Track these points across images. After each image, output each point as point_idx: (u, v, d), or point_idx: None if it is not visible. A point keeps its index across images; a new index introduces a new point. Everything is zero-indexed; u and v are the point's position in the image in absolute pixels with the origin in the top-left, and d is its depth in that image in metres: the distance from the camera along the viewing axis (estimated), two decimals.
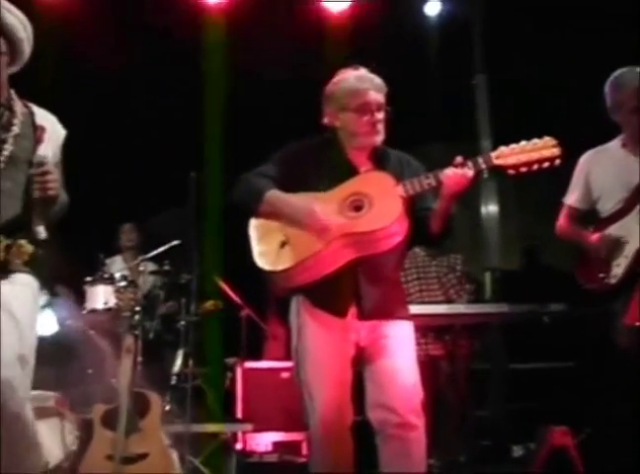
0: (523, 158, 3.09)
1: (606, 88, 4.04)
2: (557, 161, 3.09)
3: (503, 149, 3.13)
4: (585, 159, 4.18)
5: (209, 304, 6.04)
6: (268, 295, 6.91)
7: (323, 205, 3.19)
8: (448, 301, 5.26)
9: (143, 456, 4.30)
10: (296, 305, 3.31)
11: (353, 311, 3.26)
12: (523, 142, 3.12)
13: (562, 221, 4.22)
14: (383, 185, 3.20)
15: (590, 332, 5.16)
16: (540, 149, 3.09)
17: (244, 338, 6.14)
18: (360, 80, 3.32)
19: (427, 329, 4.96)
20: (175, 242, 5.75)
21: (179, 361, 5.75)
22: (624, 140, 4.06)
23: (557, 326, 4.72)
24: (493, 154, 3.13)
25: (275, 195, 3.27)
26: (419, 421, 3.22)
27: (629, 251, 3.85)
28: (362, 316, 3.25)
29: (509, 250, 7.46)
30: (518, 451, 5.37)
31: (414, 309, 4.47)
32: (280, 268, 3.18)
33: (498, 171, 3.13)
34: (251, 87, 6.44)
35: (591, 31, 6.07)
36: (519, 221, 7.68)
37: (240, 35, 6.28)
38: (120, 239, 6.64)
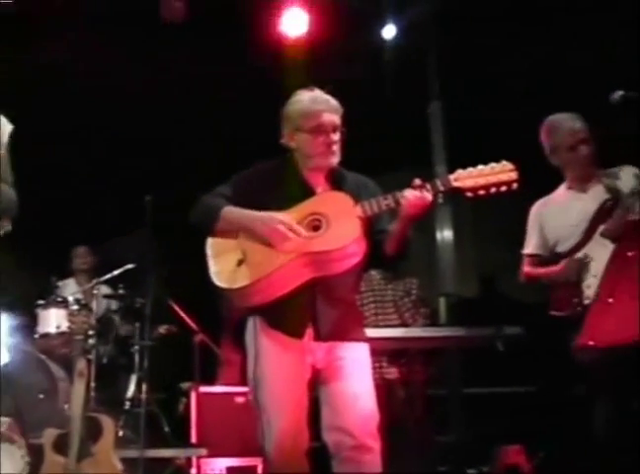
0: (481, 181, 3.10)
1: (542, 134, 4.16)
2: (514, 185, 3.10)
3: (461, 172, 3.14)
4: (535, 210, 4.28)
5: (164, 329, 6.01)
6: (222, 320, 6.89)
7: (287, 218, 3.18)
8: (404, 325, 5.28)
9: None
10: (253, 326, 3.28)
11: (309, 332, 3.24)
12: (481, 166, 3.14)
13: (526, 269, 4.26)
14: (342, 205, 3.19)
15: (546, 356, 5.20)
16: (498, 173, 3.10)
17: (198, 363, 6.09)
18: (314, 101, 3.32)
19: (382, 352, 4.96)
20: (129, 265, 5.71)
21: (132, 386, 5.70)
22: (568, 183, 4.18)
23: (512, 350, 4.74)
24: (451, 176, 3.13)
25: (231, 210, 3.26)
26: (375, 444, 3.20)
27: (596, 270, 3.87)
28: (319, 337, 3.23)
29: (465, 276, 7.50)
30: None
31: (369, 333, 4.47)
32: (236, 286, 3.15)
33: (456, 193, 3.13)
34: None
35: (544, 57, 6.17)
36: (475, 248, 7.73)
37: None
38: (73, 262, 6.57)
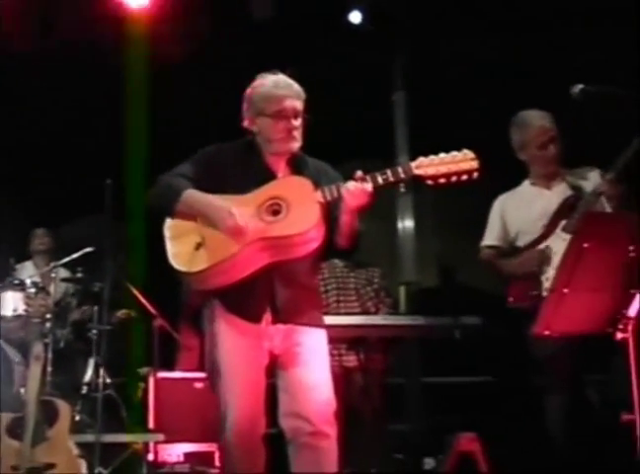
0: (443, 169, 3.09)
1: (511, 129, 4.20)
2: (475, 174, 3.09)
3: (422, 159, 3.12)
4: (498, 203, 4.33)
5: (122, 313, 5.97)
6: (181, 306, 6.86)
7: (241, 208, 3.16)
8: (365, 313, 5.29)
9: (50, 466, 4.22)
10: (210, 311, 3.28)
11: (267, 317, 3.23)
12: (443, 154, 3.12)
13: (485, 257, 4.34)
14: (302, 190, 3.18)
15: (504, 346, 5.25)
16: (459, 162, 3.10)
17: (157, 348, 6.06)
18: (277, 86, 3.30)
19: (341, 340, 4.96)
20: (88, 249, 5.66)
21: (90, 371, 5.66)
22: (533, 179, 4.23)
23: (471, 340, 4.78)
24: (413, 164, 3.12)
25: (192, 194, 3.22)
26: (331, 430, 3.22)
27: (556, 263, 3.88)
28: (277, 320, 3.23)
29: (425, 266, 7.54)
30: (429, 463, 5.42)
31: (328, 320, 4.49)
32: (194, 269, 3.14)
33: (417, 181, 3.13)
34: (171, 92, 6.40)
35: (511, 48, 6.21)
36: (436, 238, 7.77)
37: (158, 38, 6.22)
38: (31, 243, 6.50)
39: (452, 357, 5.75)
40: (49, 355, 5.44)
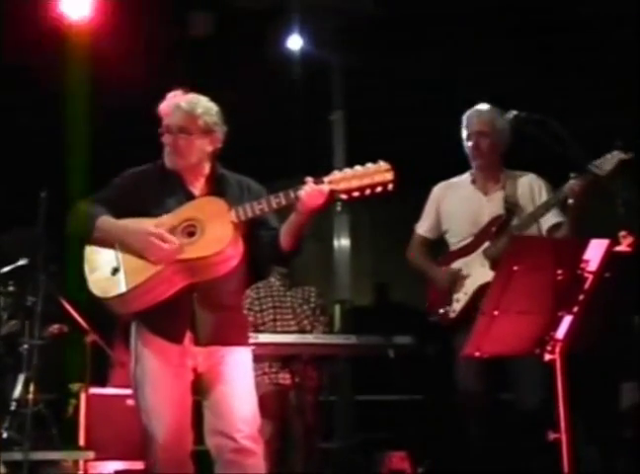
0: (355, 183, 3.05)
1: (463, 119, 4.24)
2: (390, 186, 3.04)
3: (335, 173, 3.10)
4: (436, 191, 4.36)
5: (54, 328, 5.88)
6: (114, 322, 6.79)
7: (157, 230, 3.18)
8: (302, 332, 5.30)
9: None
10: (134, 331, 3.30)
11: (189, 336, 3.25)
12: (357, 167, 3.07)
13: (413, 249, 4.40)
14: (215, 210, 3.21)
15: (434, 366, 5.31)
16: (373, 174, 3.03)
17: (89, 364, 5.99)
18: (167, 102, 3.39)
19: (275, 358, 4.97)
20: (21, 262, 5.57)
21: (19, 386, 5.55)
22: (473, 176, 4.26)
23: (403, 359, 4.82)
24: (325, 179, 3.10)
25: (106, 220, 3.25)
26: (257, 447, 3.23)
27: (469, 288, 4.03)
28: (198, 343, 3.25)
29: (360, 285, 7.59)
30: None
31: (262, 338, 4.52)
32: (110, 294, 3.16)
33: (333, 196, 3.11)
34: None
35: (452, 64, 6.31)
36: (371, 258, 7.84)
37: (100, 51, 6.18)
38: None
39: (384, 376, 5.80)
40: None
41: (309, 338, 4.86)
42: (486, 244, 4.08)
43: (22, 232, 5.76)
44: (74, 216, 3.32)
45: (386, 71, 6.53)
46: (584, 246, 3.00)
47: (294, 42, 6.76)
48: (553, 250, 3.05)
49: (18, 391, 5.56)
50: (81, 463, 5.40)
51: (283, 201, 3.18)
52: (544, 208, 3.99)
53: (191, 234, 3.19)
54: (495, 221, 4.11)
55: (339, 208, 6.91)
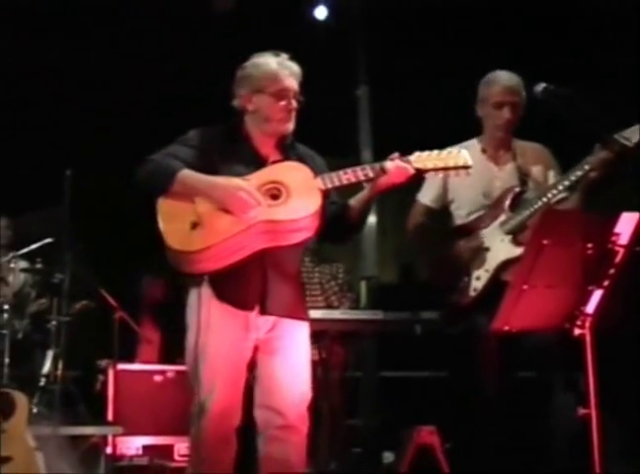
0: (440, 164, 3.18)
1: (481, 81, 4.08)
2: (470, 171, 3.23)
3: (419, 154, 3.19)
4: None
5: (82, 305, 5.93)
6: (142, 298, 6.84)
7: (247, 186, 3.11)
8: (329, 308, 5.30)
9: (6, 459, 4.18)
10: (197, 297, 3.16)
11: (256, 307, 3.19)
12: (437, 151, 3.22)
13: (416, 218, 4.20)
14: (301, 176, 3.16)
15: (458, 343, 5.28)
16: (455, 157, 3.20)
17: (117, 340, 6.04)
18: (280, 65, 3.27)
19: None
20: (48, 240, 5.61)
21: (48, 363, 5.62)
22: (484, 144, 4.08)
23: (429, 336, 4.81)
24: (411, 158, 3.17)
25: (189, 173, 3.15)
26: (303, 426, 3.22)
27: (490, 264, 3.88)
28: (266, 311, 3.19)
29: (387, 264, 7.58)
30: (388, 458, 5.45)
31: None
32: (191, 248, 3.07)
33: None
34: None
35: (474, 42, 6.26)
36: (397, 235, 7.81)
37: None
38: None
39: (410, 352, 5.79)
40: (7, 347, 5.39)
41: (336, 314, 4.85)
42: (502, 217, 3.93)
43: (48, 210, 5.79)
44: (149, 168, 3.19)
45: (413, 44, 6.46)
46: (614, 220, 2.96)
47: (320, 12, 6.69)
48: (583, 224, 3.01)
49: (46, 367, 5.63)
50: (109, 438, 5.45)
51: (370, 174, 3.16)
52: (562, 188, 3.79)
53: (274, 197, 3.13)
54: (508, 193, 3.97)
55: (365, 185, 6.90)
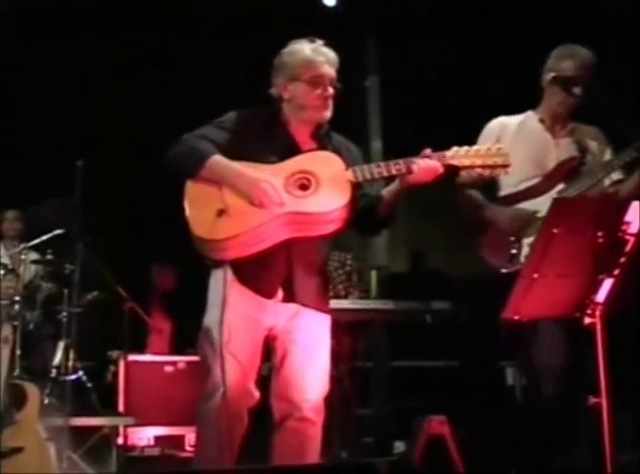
0: (478, 161, 3.13)
1: (554, 51, 3.91)
2: (508, 169, 3.19)
3: (457, 149, 3.15)
4: (496, 124, 4.00)
5: (92, 296, 5.94)
6: (152, 289, 6.85)
7: (272, 179, 3.08)
8: (336, 297, 5.29)
9: (18, 450, 4.20)
10: (222, 276, 3.11)
11: (278, 294, 3.17)
12: (476, 147, 3.18)
13: (462, 186, 3.96)
14: (332, 167, 3.12)
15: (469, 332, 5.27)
16: (494, 155, 3.15)
17: (127, 331, 6.05)
18: (315, 52, 3.23)
19: None
20: (58, 231, 5.62)
21: (59, 354, 5.63)
22: (542, 115, 3.96)
23: (439, 325, 4.80)
24: (447, 153, 3.14)
25: (219, 160, 3.11)
26: (319, 418, 3.23)
27: None
28: (290, 299, 3.17)
29: (397, 253, 7.56)
30: (399, 447, 5.45)
31: None
32: (216, 237, 3.04)
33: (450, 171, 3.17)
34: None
35: (484, 32, 6.23)
36: (407, 224, 7.80)
37: None
38: (1, 225, 6.44)
39: (421, 342, 5.78)
40: (18, 338, 5.40)
41: (346, 303, 4.85)
42: (560, 186, 3.80)
43: (59, 201, 5.79)
44: (180, 149, 3.17)
45: (424, 34, 6.44)
46: (625, 208, 2.95)
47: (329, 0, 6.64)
48: (594, 212, 2.99)
49: (58, 358, 5.64)
50: (121, 429, 5.47)
51: (403, 169, 3.11)
52: (617, 164, 3.73)
53: (303, 187, 3.10)
54: (568, 163, 3.85)
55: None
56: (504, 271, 3.77)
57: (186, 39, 6.44)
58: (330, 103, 3.23)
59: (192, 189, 3.13)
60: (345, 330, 4.90)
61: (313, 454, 3.23)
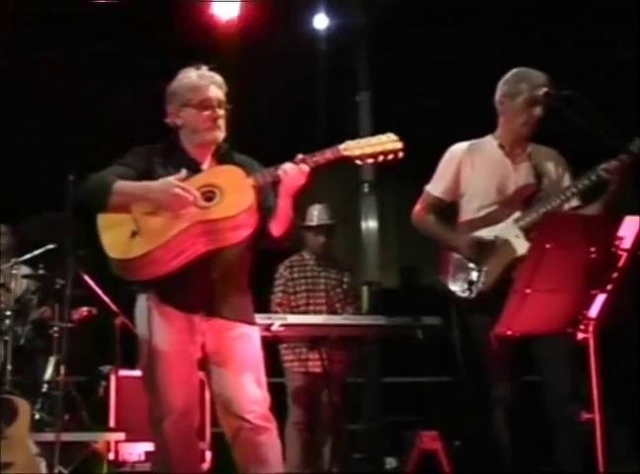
0: (368, 150, 3.23)
1: (506, 77, 3.95)
2: (400, 154, 3.24)
3: (349, 142, 3.25)
4: (457, 151, 4.03)
5: (83, 311, 5.91)
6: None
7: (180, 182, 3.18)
8: (332, 314, 5.29)
9: (9, 465, 4.18)
10: (143, 307, 3.26)
11: (202, 310, 3.26)
12: (369, 137, 3.29)
13: (423, 210, 4.08)
14: (233, 176, 3.24)
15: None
16: (384, 143, 3.24)
17: (119, 346, 6.02)
18: (201, 77, 3.37)
19: (303, 339, 4.97)
20: (50, 246, 5.60)
21: (50, 369, 5.60)
22: (501, 140, 3.99)
23: (430, 341, 4.80)
24: (341, 147, 3.23)
25: (124, 183, 3.23)
26: (270, 424, 3.28)
27: (504, 260, 3.78)
28: (212, 313, 3.26)
29: (388, 269, 7.58)
30: (391, 463, 5.45)
31: (290, 319, 4.52)
32: (129, 256, 3.12)
33: (346, 161, 3.25)
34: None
35: (474, 45, 6.26)
36: (398, 239, 7.81)
37: None
38: None
39: (412, 358, 5.78)
40: (9, 353, 5.38)
41: (337, 319, 4.86)
42: (517, 214, 3.85)
43: (50, 216, 5.77)
44: (88, 184, 3.30)
45: (413, 51, 6.48)
46: (617, 223, 2.96)
47: (321, 22, 6.71)
48: (586, 227, 3.01)
49: (49, 373, 5.61)
50: (112, 444, 5.44)
51: (276, 172, 3.22)
52: (577, 190, 3.76)
53: (209, 199, 3.19)
54: (525, 190, 3.89)
55: (366, 189, 6.95)
56: (463, 296, 3.86)
57: (174, 60, 6.45)
58: (221, 123, 3.36)
59: (102, 218, 3.24)
60: (336, 345, 4.90)
61: (275, 460, 3.28)
